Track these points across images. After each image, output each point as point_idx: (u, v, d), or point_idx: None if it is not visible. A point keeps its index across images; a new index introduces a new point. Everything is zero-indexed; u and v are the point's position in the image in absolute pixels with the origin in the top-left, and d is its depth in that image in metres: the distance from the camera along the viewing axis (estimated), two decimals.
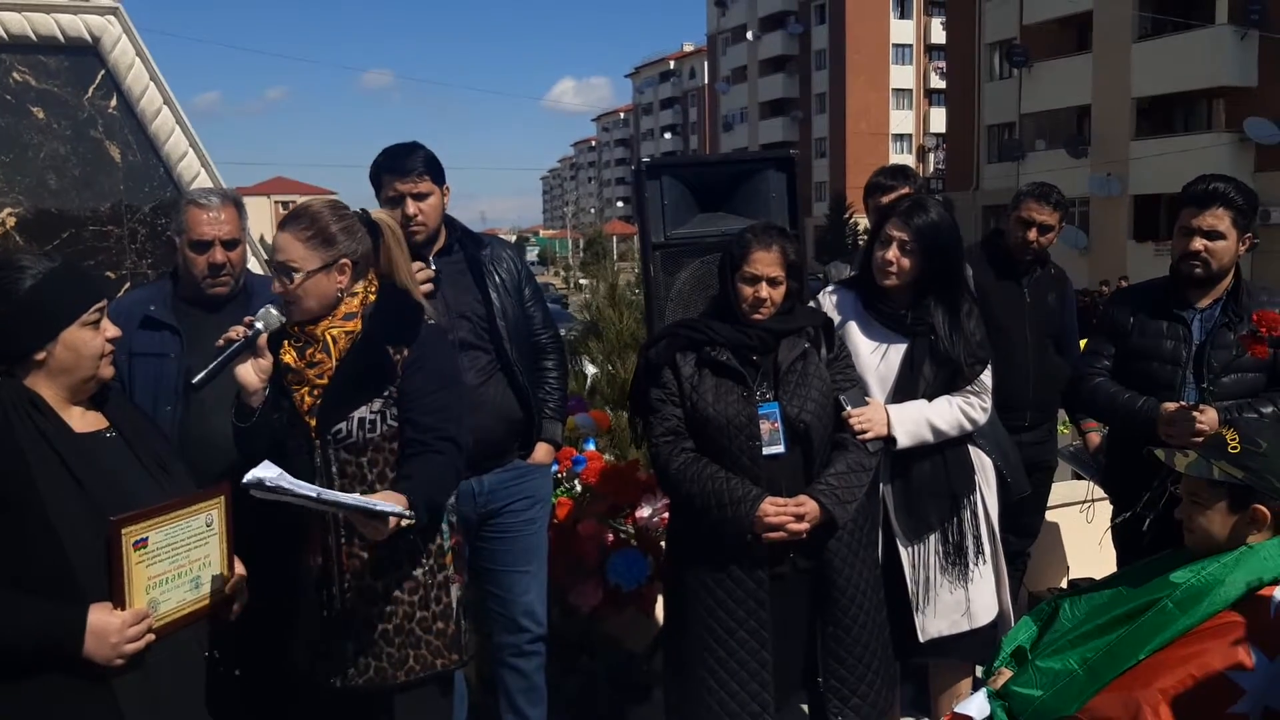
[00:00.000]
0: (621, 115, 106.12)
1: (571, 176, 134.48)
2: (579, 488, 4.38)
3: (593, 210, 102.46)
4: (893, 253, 3.20)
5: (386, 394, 2.64)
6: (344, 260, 2.63)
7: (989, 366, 3.31)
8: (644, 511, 4.16)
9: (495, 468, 3.44)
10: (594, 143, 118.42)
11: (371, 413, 2.64)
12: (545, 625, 3.58)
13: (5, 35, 3.78)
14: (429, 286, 3.21)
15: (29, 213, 3.88)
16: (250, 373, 2.59)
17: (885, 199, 3.91)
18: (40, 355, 2.26)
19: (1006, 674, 2.62)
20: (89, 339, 2.30)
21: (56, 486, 2.18)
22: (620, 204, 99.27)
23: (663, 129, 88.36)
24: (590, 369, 7.43)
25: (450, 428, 2.68)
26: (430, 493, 2.60)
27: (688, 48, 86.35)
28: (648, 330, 3.92)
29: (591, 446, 4.73)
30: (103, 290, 2.44)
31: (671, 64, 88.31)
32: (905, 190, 3.95)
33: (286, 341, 2.67)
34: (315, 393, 2.64)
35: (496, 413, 3.38)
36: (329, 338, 2.65)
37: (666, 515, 4.10)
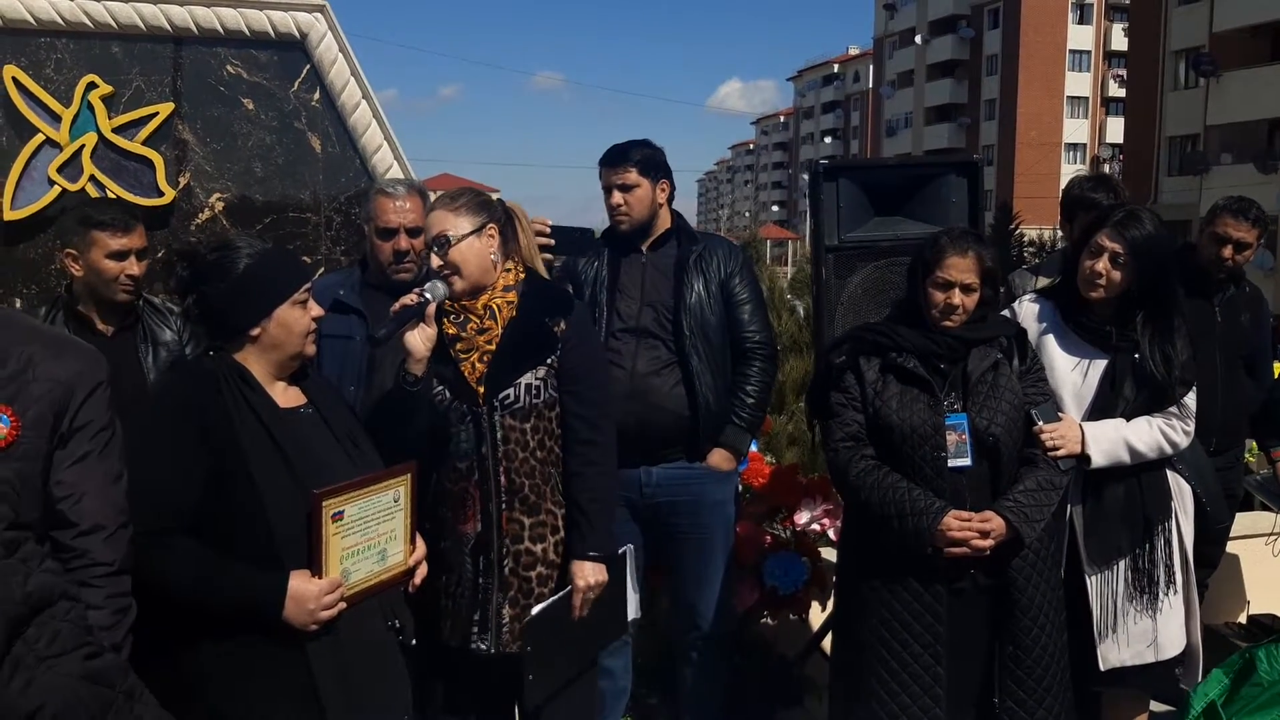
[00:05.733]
0: (781, 118, 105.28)
1: (728, 179, 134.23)
2: (739, 488, 4.37)
3: (747, 214, 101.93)
4: (1103, 264, 3.09)
5: (549, 362, 2.80)
6: (491, 225, 2.80)
7: (1194, 389, 3.17)
8: (802, 516, 4.12)
9: (664, 462, 3.47)
10: (752, 145, 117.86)
11: (536, 379, 2.79)
12: (712, 625, 3.59)
13: (221, 30, 4.01)
14: (548, 242, 3.36)
15: (235, 198, 4.09)
16: (418, 340, 2.70)
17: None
18: (255, 331, 2.38)
19: None
20: (299, 317, 2.42)
21: (264, 458, 2.30)
22: (775, 208, 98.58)
23: (823, 133, 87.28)
24: None
25: (609, 406, 2.91)
26: (609, 511, 2.88)
27: (853, 51, 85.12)
28: (815, 334, 3.87)
29: (754, 448, 4.72)
30: (309, 272, 2.57)
31: (835, 67, 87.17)
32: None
33: (446, 318, 2.79)
34: (485, 359, 2.78)
35: (659, 405, 3.41)
36: (494, 307, 2.80)
37: (825, 521, 4.08)
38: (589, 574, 2.80)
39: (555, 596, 2.79)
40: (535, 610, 2.75)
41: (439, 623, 2.82)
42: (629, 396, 3.35)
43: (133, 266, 3.19)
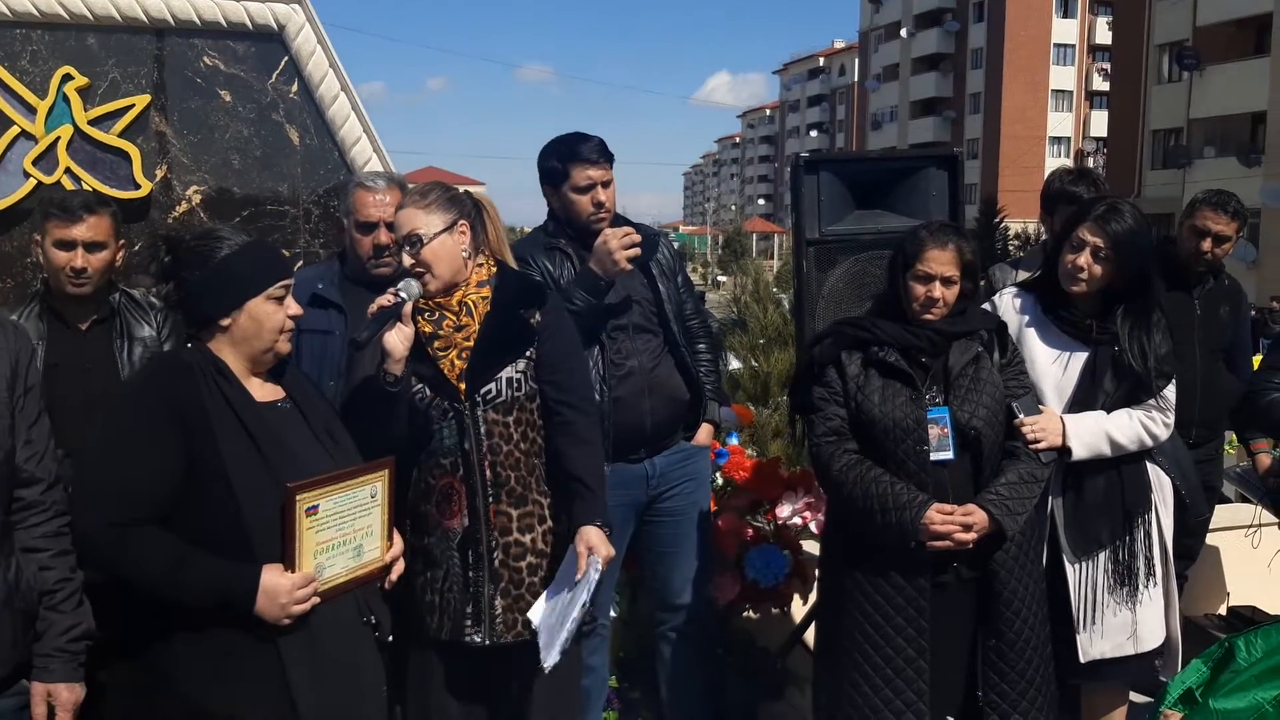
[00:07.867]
0: (768, 112, 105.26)
1: (714, 173, 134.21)
2: (720, 481, 4.37)
3: (733, 207, 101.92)
4: (1085, 258, 3.08)
5: (528, 355, 2.81)
6: (462, 222, 2.79)
7: (1173, 381, 3.17)
8: (784, 509, 4.12)
9: (664, 449, 3.52)
10: (738, 139, 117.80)
11: (516, 372, 2.80)
12: (694, 605, 3.63)
13: (198, 21, 3.97)
14: (635, 251, 3.27)
15: (213, 190, 4.05)
16: (397, 340, 2.68)
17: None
18: (225, 322, 2.37)
19: (1176, 716, 2.49)
20: (272, 312, 2.40)
21: (238, 451, 2.29)
22: (761, 201, 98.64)
23: (809, 127, 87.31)
24: (734, 363, 7.46)
25: (590, 392, 2.96)
26: (604, 486, 2.85)
27: (838, 44, 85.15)
28: (797, 327, 3.88)
29: (734, 440, 4.72)
30: (289, 269, 2.54)
31: (821, 61, 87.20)
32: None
33: (420, 316, 2.77)
34: (464, 355, 2.78)
35: (669, 395, 3.48)
36: (470, 303, 2.79)
37: (807, 514, 4.07)
38: (594, 538, 2.71)
39: (559, 589, 2.76)
40: (540, 600, 2.76)
41: (425, 618, 2.81)
42: (644, 393, 3.39)
43: (78, 259, 3.05)
